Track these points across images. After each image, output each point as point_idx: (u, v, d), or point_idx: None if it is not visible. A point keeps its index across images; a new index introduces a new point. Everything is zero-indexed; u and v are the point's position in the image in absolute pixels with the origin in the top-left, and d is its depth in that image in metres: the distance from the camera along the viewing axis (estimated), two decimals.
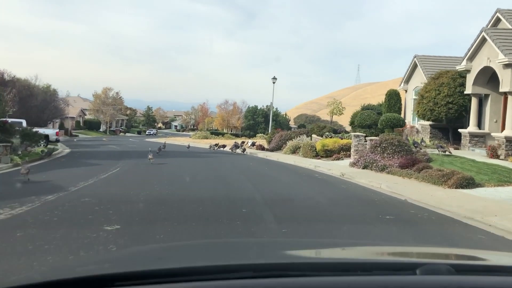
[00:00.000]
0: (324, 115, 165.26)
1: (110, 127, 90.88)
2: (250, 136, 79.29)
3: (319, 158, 22.75)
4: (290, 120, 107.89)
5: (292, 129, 54.64)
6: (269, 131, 33.99)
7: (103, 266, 1.73)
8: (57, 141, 30.94)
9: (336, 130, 29.32)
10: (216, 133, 73.21)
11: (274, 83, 32.65)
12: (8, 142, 16.32)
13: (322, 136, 27.15)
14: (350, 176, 15.53)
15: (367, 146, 19.69)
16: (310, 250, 2.21)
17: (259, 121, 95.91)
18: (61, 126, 69.66)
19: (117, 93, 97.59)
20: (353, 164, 18.31)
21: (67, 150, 28.73)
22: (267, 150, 30.63)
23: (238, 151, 29.74)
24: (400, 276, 1.44)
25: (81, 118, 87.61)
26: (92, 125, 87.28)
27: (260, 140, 38.72)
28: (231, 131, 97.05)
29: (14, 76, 47.75)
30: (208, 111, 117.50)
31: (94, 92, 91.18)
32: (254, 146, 32.65)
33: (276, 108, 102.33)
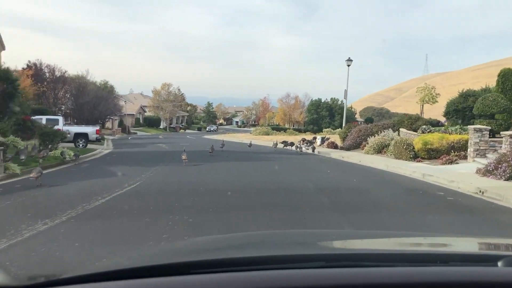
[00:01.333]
0: (393, 107, 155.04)
1: (170, 124, 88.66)
2: (314, 131, 73.49)
3: (419, 161, 16.73)
4: (356, 113, 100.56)
5: (359, 123, 48.18)
6: (343, 125, 27.99)
7: (180, 254, 1.73)
8: (98, 140, 27.05)
9: (437, 123, 22.84)
10: (277, 129, 67.93)
11: (349, 65, 26.48)
12: (1, 146, 12.03)
13: (416, 131, 20.95)
14: (500, 196, 9.52)
15: (504, 145, 13.43)
16: (384, 242, 2.06)
17: (323, 115, 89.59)
18: (120, 124, 67.73)
19: (178, 89, 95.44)
20: (484, 172, 12.22)
21: (107, 151, 24.74)
22: (342, 148, 24.85)
23: (305, 149, 24.28)
24: (480, 267, 1.34)
25: (140, 115, 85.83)
26: (151, 122, 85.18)
27: (330, 135, 32.81)
28: (293, 126, 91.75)
29: (66, 72, 45.30)
30: (269, 106, 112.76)
31: (154, 88, 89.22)
32: (324, 144, 26.95)
33: (341, 101, 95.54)
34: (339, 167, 16.16)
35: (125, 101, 71.44)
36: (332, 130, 47.97)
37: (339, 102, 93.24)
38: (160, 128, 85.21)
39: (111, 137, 47.71)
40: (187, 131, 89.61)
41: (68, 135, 22.51)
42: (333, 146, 25.90)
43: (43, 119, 25.07)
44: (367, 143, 22.56)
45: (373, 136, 22.83)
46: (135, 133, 66.27)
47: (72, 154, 17.09)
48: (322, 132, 49.68)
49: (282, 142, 26.74)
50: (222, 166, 15.65)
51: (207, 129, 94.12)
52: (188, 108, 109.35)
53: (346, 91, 26.65)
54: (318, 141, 27.71)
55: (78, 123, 41.65)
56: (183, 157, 14.87)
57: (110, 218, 6.74)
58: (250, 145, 26.34)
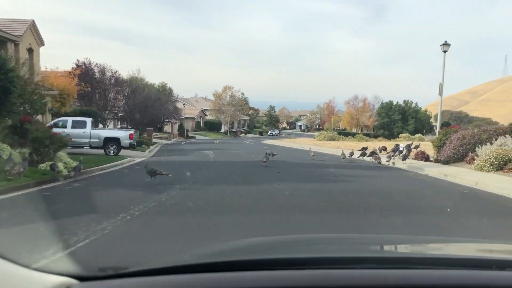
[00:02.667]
0: (469, 112, 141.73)
1: (231, 128, 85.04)
2: (385, 136, 66.31)
3: None
4: (431, 116, 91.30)
5: (434, 128, 40.83)
6: (437, 130, 21.56)
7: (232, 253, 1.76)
8: (133, 146, 22.77)
9: None
10: (344, 133, 61.35)
11: (445, 51, 19.92)
12: None
13: None
14: None
15: None
16: (438, 247, 2.03)
17: (395, 118, 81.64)
18: (181, 127, 64.66)
19: (242, 93, 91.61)
20: None
21: (139, 160, 20.41)
22: (437, 161, 18.63)
23: (385, 161, 18.44)
24: None
25: (201, 118, 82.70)
26: (212, 126, 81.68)
27: (416, 142, 26.19)
28: (361, 131, 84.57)
29: (117, 72, 42.35)
30: (334, 109, 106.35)
31: (215, 92, 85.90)
32: (410, 154, 20.69)
33: (415, 103, 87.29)
34: (456, 198, 10.22)
35: (184, 104, 68.32)
36: (410, 136, 40.91)
37: (413, 105, 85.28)
38: (221, 132, 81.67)
39: (165, 141, 44.31)
40: (248, 135, 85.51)
41: (71, 140, 18.21)
42: (424, 157, 19.75)
43: (69, 120, 21.31)
44: (476, 155, 16.31)
45: (483, 146, 16.57)
46: (194, 137, 62.84)
47: (72, 166, 12.62)
48: (397, 138, 42.74)
49: (361, 149, 21.10)
50: (266, 194, 10.34)
51: (269, 134, 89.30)
52: (250, 112, 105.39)
53: (441, 85, 20.17)
54: (402, 149, 21.52)
55: (133, 126, 38.39)
56: (161, 172, 11.60)
57: None
58: (314, 154, 20.87)
